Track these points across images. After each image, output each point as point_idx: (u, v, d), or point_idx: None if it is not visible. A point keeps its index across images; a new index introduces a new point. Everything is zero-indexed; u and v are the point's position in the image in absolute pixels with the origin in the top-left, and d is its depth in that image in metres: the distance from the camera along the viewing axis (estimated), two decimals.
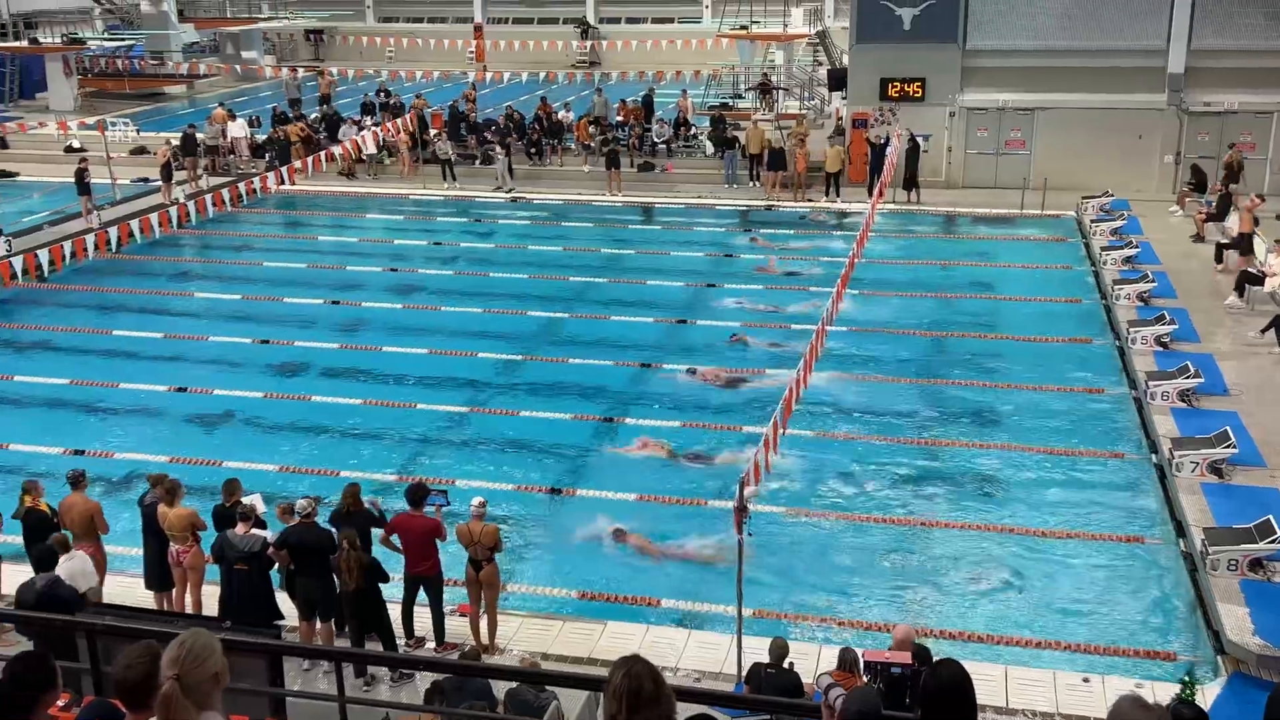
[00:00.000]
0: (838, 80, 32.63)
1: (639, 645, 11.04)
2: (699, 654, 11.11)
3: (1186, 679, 9.99)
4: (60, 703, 5.58)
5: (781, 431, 14.49)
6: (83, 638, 7.12)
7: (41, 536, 11.10)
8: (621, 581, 12.66)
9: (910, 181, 27.71)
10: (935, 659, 5.57)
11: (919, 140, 27.68)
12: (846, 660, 8.88)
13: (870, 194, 25.46)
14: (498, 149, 30.45)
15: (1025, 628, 11.82)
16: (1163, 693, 9.77)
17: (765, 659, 9.66)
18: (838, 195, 28.49)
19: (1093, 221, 25.04)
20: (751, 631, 10.70)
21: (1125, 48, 27.62)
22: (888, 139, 27.56)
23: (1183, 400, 16.12)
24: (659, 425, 16.53)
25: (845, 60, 32.34)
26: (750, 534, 10.53)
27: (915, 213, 27.55)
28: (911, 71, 28.71)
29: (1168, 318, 18.71)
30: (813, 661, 10.50)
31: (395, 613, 11.13)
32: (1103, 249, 23.07)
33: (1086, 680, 10.73)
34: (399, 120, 32.49)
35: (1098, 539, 13.38)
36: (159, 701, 3.88)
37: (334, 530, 10.92)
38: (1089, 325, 20.22)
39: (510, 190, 29.83)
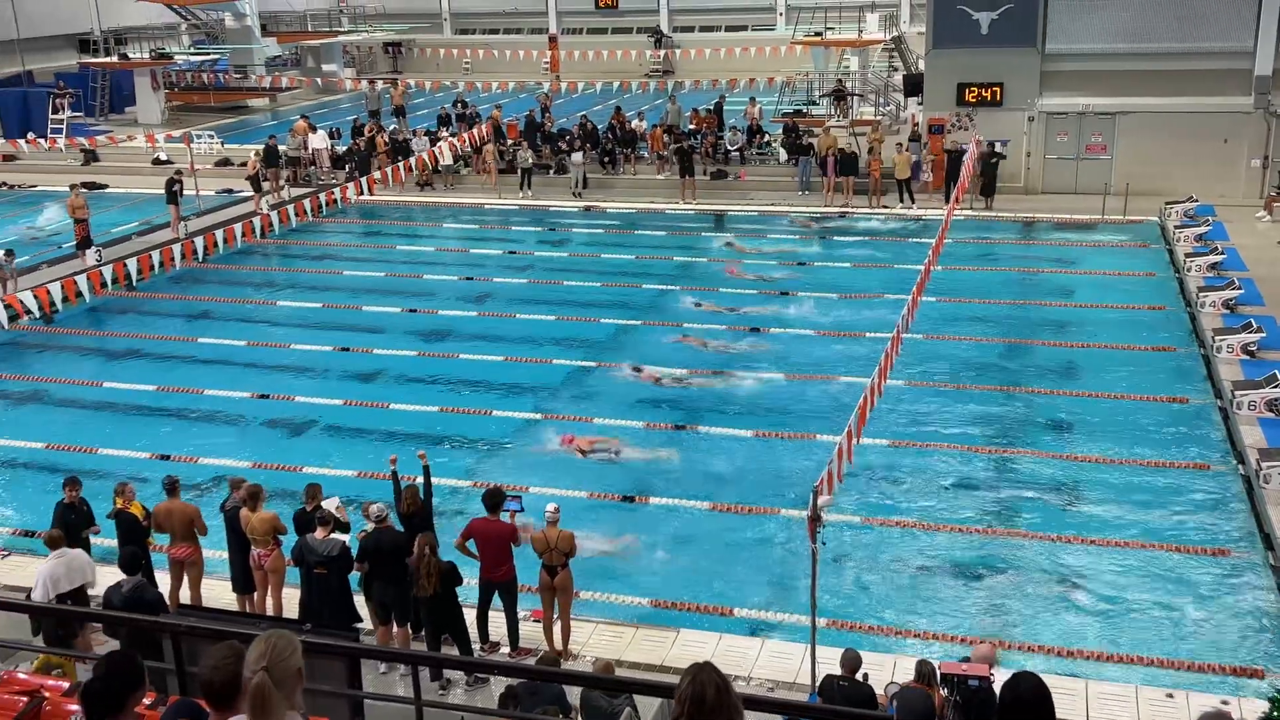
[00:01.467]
0: (914, 86, 32.35)
1: (712, 653, 11.03)
2: (772, 663, 11.07)
3: (1276, 696, 9.72)
4: (146, 701, 5.72)
5: (856, 440, 14.37)
6: (168, 638, 7.30)
7: (132, 539, 11.43)
8: (695, 589, 12.64)
9: (988, 188, 27.36)
10: (1014, 672, 5.49)
11: (998, 147, 27.33)
12: (923, 673, 8.79)
13: (947, 200, 25.19)
14: (575, 155, 30.62)
15: (1106, 641, 11.59)
16: (1250, 710, 9.52)
17: (838, 670, 9.59)
18: (912, 201, 28.23)
19: (1176, 227, 24.50)
20: (825, 642, 10.63)
21: (1210, 49, 26.99)
22: (964, 146, 27.25)
23: (1271, 410, 15.69)
24: (730, 433, 16.52)
25: (921, 66, 32.05)
26: (824, 543, 10.47)
27: (992, 219, 27.18)
28: (989, 76, 28.36)
29: (1255, 325, 18.24)
30: (887, 673, 10.39)
31: (470, 617, 11.24)
32: (1187, 255, 22.57)
33: (1170, 696, 10.49)
34: (475, 130, 32.84)
35: (1182, 551, 13.08)
36: (251, 693, 3.98)
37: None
38: (1173, 333, 19.79)
39: (578, 195, 30.02)
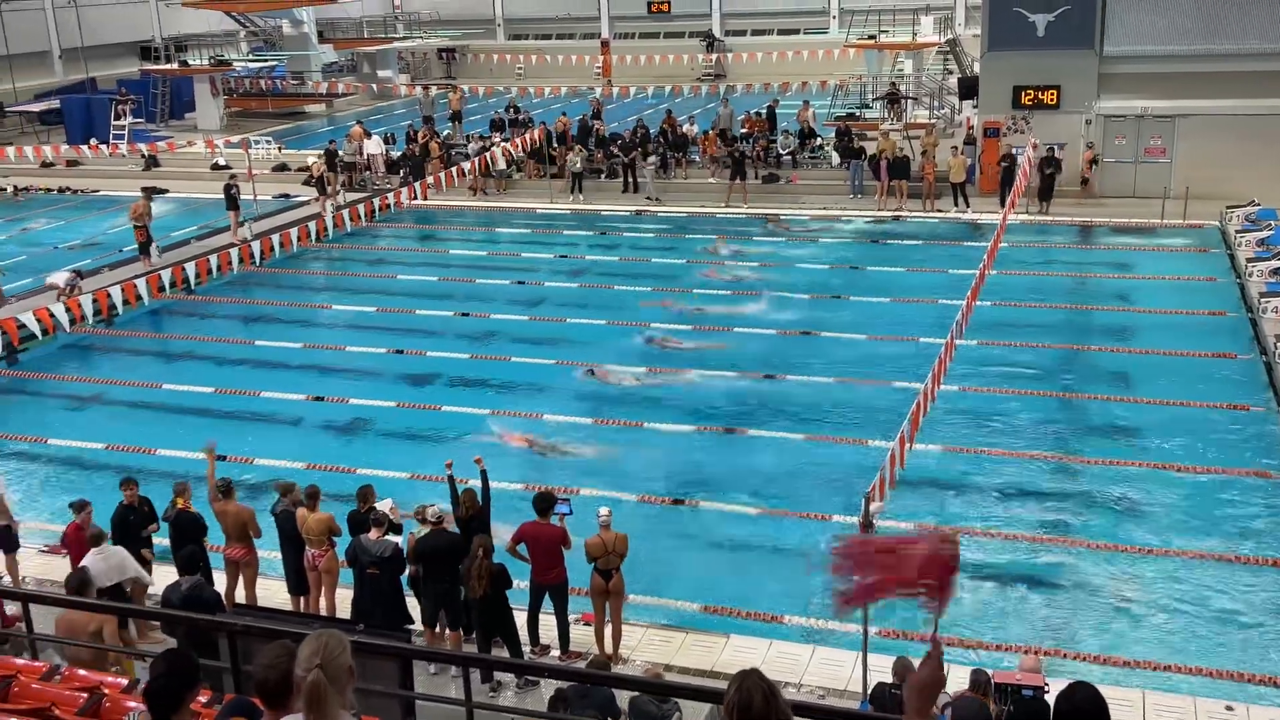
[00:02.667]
0: (969, 89, 32.08)
1: (762, 659, 10.99)
2: (823, 671, 11.00)
3: None
4: (202, 699, 5.81)
5: (908, 446, 14.27)
6: (224, 638, 7.41)
7: (190, 539, 11.61)
8: (745, 595, 12.60)
9: (1045, 192, 27.06)
10: (1070, 682, 5.42)
11: (1055, 151, 27.04)
12: (979, 682, 8.70)
13: (1002, 205, 24.95)
14: (649, 160, 30.68)
15: (1164, 651, 11.39)
16: None
17: (890, 678, 9.52)
18: (967, 205, 27.98)
19: (1238, 232, 24.05)
20: (877, 649, 10.54)
21: (1273, 50, 26.49)
22: (1019, 149, 26.98)
23: None
24: (780, 436, 16.46)
25: (976, 68, 31.76)
26: None
27: (1048, 223, 26.87)
28: (1046, 79, 28.05)
29: None
30: None
31: (520, 620, 11.28)
32: (1249, 260, 22.15)
33: (1230, 709, 10.29)
34: (527, 135, 33.03)
35: (1242, 561, 12.84)
36: (307, 691, 4.04)
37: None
38: (1234, 339, 19.42)
39: (656, 199, 30.10)
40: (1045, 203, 27.20)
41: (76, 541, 11.46)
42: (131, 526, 11.86)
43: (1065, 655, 11.15)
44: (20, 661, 7.35)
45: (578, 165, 31.12)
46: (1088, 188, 27.70)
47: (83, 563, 10.81)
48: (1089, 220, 26.82)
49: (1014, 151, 27.16)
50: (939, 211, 28.14)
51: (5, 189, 35.58)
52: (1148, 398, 17.19)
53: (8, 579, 12.47)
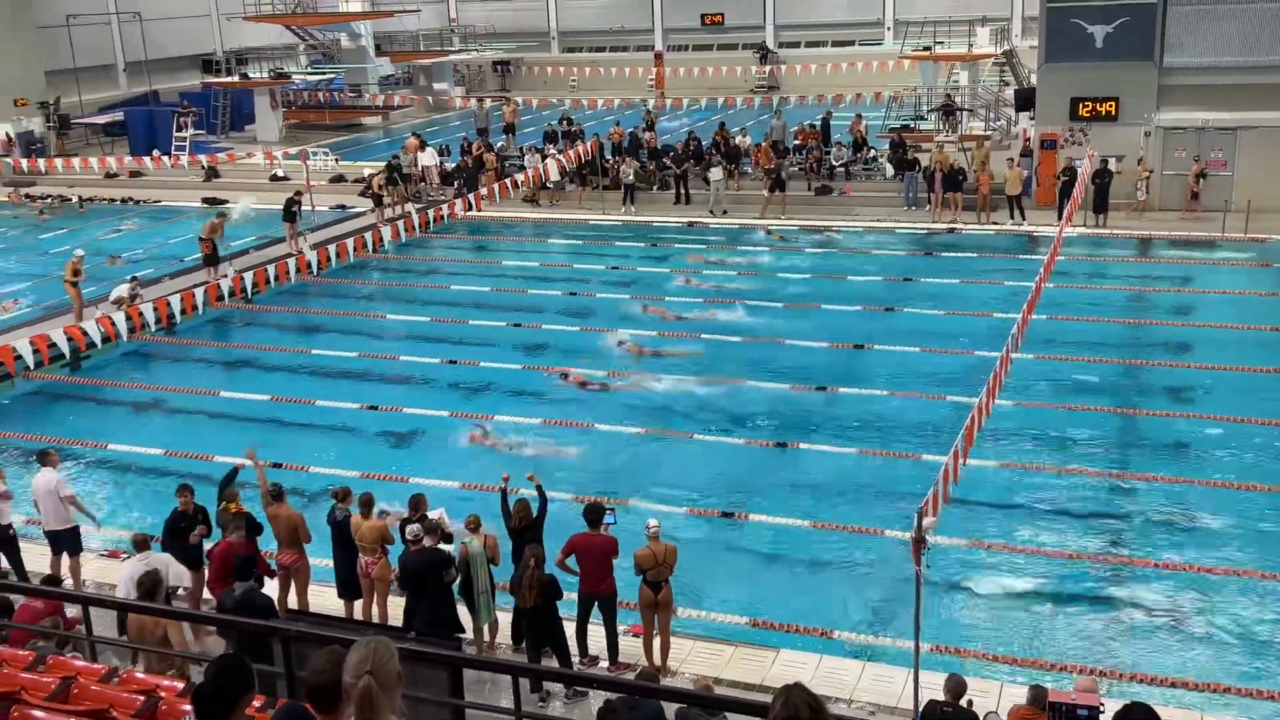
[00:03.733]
0: (1025, 100, 31.79)
1: (812, 674, 10.92)
2: (874, 687, 10.90)
3: None
4: (256, 704, 5.87)
5: (962, 461, 14.12)
6: (278, 643, 7.50)
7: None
8: (795, 609, 12.53)
9: (1101, 205, 26.72)
10: (1126, 703, 5.33)
11: (1110, 164, 26.69)
12: (1039, 698, 8.58)
13: (1059, 217, 24.66)
14: (714, 170, 30.72)
15: (1221, 673, 11.17)
16: None
17: (942, 696, 9.42)
18: (1023, 218, 27.69)
19: None
20: (929, 666, 10.44)
21: None
22: (1077, 162, 26.67)
23: None
24: (832, 450, 16.38)
25: (1033, 80, 31.46)
26: (928, 566, 10.29)
27: (1106, 236, 26.52)
28: (1104, 90, 27.72)
29: None
30: (991, 700, 10.18)
31: (569, 630, 11.30)
32: None
33: None
34: (580, 147, 33.17)
35: None
36: (358, 697, 4.07)
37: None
38: None
39: (724, 211, 30.15)
40: (1101, 215, 26.85)
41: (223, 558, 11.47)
42: (181, 533, 12.03)
43: (1122, 676, 10.96)
44: (80, 664, 7.48)
45: (630, 177, 31.23)
46: (1195, 202, 27.08)
47: (124, 568, 11.00)
48: (1147, 234, 26.42)
49: (1072, 164, 26.85)
50: (994, 224, 27.88)
51: (71, 199, 36.39)
52: (1207, 413, 16.89)
53: (69, 581, 12.70)
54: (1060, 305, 21.35)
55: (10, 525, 13.04)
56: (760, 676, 11.05)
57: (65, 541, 13.02)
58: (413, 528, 11.16)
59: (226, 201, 34.56)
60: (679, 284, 25.12)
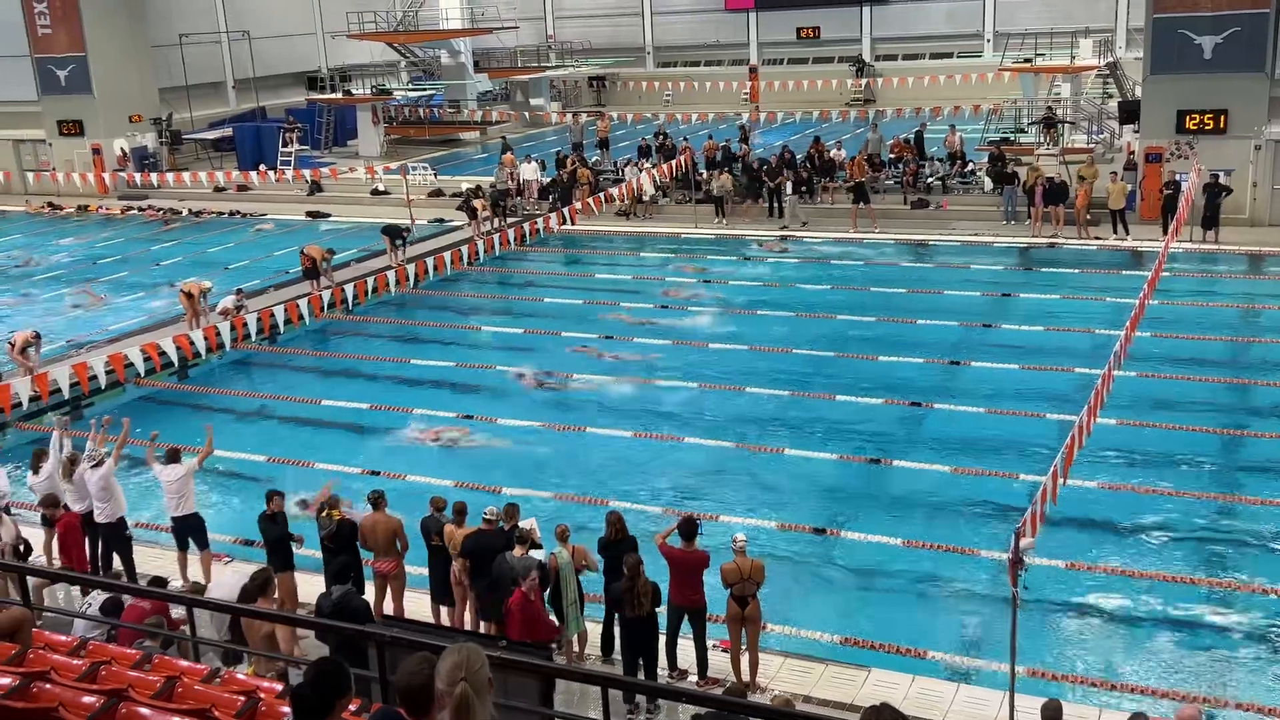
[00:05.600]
0: (1130, 113, 31.08)
1: (904, 695, 10.77)
2: (967, 709, 10.70)
3: None
4: (351, 707, 5.98)
5: (1062, 481, 13.81)
6: (373, 647, 7.64)
7: (350, 547, 12.03)
8: (888, 628, 12.37)
9: (1210, 220, 25.97)
10: None
11: (1221, 178, 25.94)
12: None
13: (1164, 232, 24.04)
14: (786, 188, 30.68)
15: None
16: None
17: None
18: (1126, 233, 27.04)
19: None
20: (1025, 690, 10.23)
21: None
22: (1183, 175, 25.98)
23: None
24: (928, 468, 16.16)
25: (1138, 92, 30.73)
26: (1025, 587, 10.09)
27: (1214, 252, 25.77)
28: (1212, 103, 26.97)
29: None
30: None
31: (659, 643, 11.30)
32: None
33: None
34: (674, 161, 33.26)
35: None
36: (455, 702, 4.14)
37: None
38: None
39: (796, 226, 30.05)
40: (1209, 230, 26.10)
41: None
42: (267, 535, 12.31)
43: (1226, 704, 10.61)
44: (184, 664, 7.70)
45: (723, 190, 31.23)
46: None
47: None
48: (1258, 249, 25.60)
49: (1177, 178, 26.15)
50: (1097, 239, 27.27)
51: (181, 212, 37.62)
52: None
53: (178, 582, 13.05)
54: (1166, 322, 20.81)
55: (125, 524, 13.46)
56: (851, 696, 10.93)
57: (194, 531, 13.40)
58: (490, 507, 11.74)
59: (329, 215, 35.40)
60: (768, 298, 25.04)
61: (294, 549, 12.65)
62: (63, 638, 8.25)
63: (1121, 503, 14.81)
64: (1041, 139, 34.40)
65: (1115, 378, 15.82)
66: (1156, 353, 19.53)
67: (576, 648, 11.65)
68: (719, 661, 11.53)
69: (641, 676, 10.98)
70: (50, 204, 40.39)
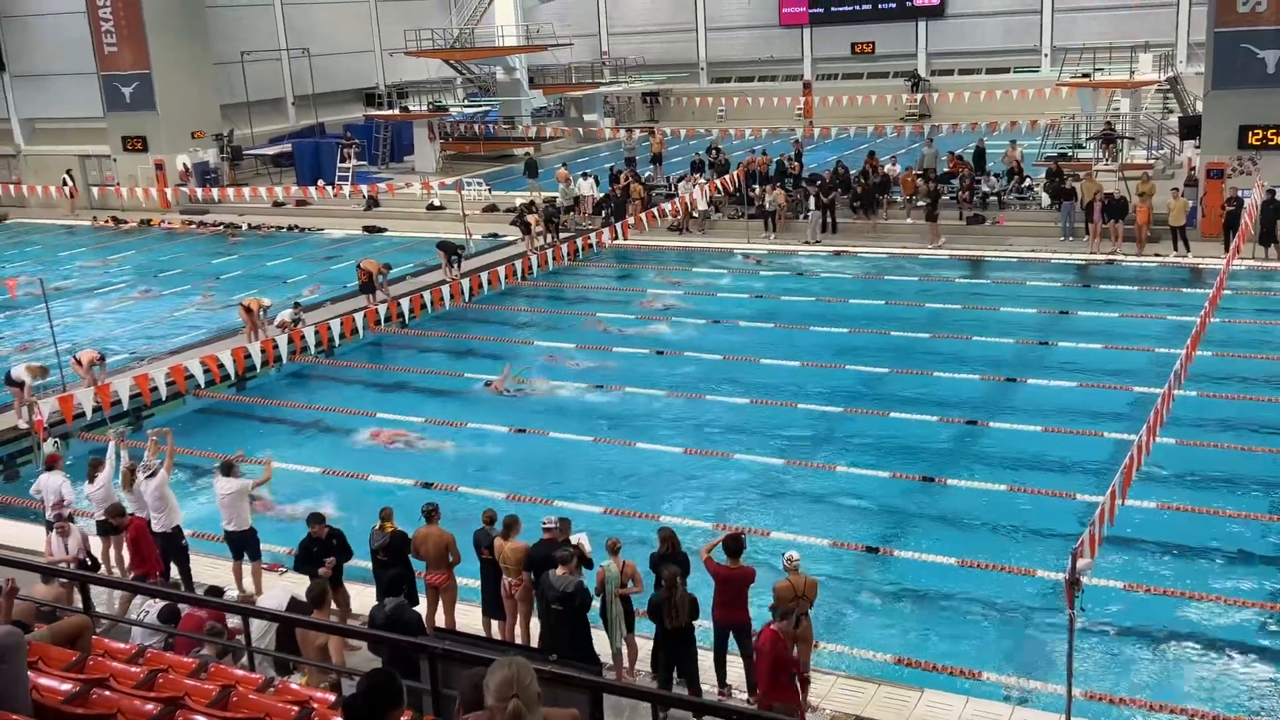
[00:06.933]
0: (1190, 128, 30.62)
1: (958, 717, 10.65)
2: None
3: None
4: (404, 719, 6.03)
5: (1120, 501, 13.59)
6: (425, 660, 7.68)
7: (402, 559, 12.10)
8: (942, 649, 12.23)
9: (1268, 237, 25.48)
10: None
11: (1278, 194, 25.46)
12: None
13: (1226, 249, 23.63)
14: (809, 202, 30.62)
15: None
16: None
17: None
18: (1187, 249, 26.61)
19: None
20: (1081, 714, 10.06)
21: None
22: (1245, 192, 25.53)
23: None
24: (983, 487, 15.97)
25: (1199, 107, 30.28)
26: (1083, 609, 9.95)
27: (1276, 269, 25.26)
28: (1275, 118, 26.54)
29: None
30: None
31: (705, 660, 11.25)
32: None
33: None
34: (727, 176, 33.27)
35: None
36: (508, 718, 4.16)
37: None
38: None
39: (817, 241, 30.02)
40: (1269, 248, 25.60)
41: None
42: (314, 558, 12.22)
43: None
44: (239, 673, 7.79)
45: (775, 205, 31.18)
46: None
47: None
48: None
49: (1239, 194, 25.70)
50: (1156, 256, 26.86)
51: (242, 226, 38.24)
52: None
53: (233, 591, 13.22)
54: (1228, 341, 20.43)
55: (182, 533, 13.66)
56: (904, 717, 10.81)
57: (246, 544, 13.58)
58: (549, 517, 11.95)
59: (385, 230, 35.78)
60: (821, 312, 24.93)
61: (323, 568, 12.41)
62: (121, 645, 8.39)
63: (1181, 524, 14.54)
64: (1100, 154, 33.97)
65: (1175, 397, 15.56)
66: (1219, 372, 19.18)
67: (626, 663, 11.63)
68: None
69: (683, 691, 10.93)
70: (114, 218, 41.25)
